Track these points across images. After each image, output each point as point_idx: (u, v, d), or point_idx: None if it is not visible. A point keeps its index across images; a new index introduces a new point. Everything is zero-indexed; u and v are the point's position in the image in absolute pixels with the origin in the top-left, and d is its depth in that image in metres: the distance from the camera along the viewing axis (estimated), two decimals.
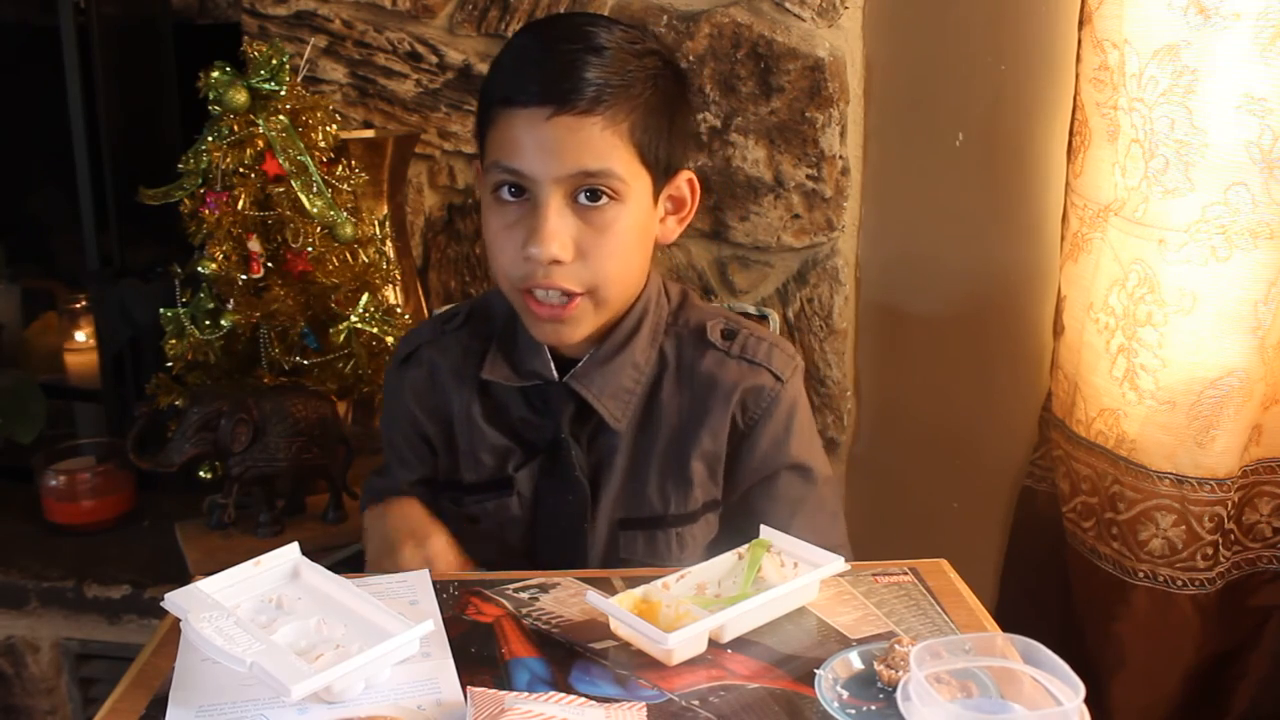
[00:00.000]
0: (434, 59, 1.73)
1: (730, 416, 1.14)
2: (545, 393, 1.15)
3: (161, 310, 1.53)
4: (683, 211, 1.15)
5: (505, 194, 1.06)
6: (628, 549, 1.15)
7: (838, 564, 0.97)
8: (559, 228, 1.04)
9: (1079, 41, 1.56)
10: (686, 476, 1.15)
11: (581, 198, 1.04)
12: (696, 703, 0.84)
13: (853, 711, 0.83)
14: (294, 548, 0.98)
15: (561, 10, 1.67)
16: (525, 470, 1.16)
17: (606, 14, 1.65)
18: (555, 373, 1.13)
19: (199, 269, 1.48)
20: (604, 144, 1.03)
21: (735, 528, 1.15)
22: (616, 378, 1.13)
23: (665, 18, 1.65)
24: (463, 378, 1.18)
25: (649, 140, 1.06)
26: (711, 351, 1.15)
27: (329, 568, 0.96)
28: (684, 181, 1.14)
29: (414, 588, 1.01)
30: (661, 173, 1.10)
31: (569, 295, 1.07)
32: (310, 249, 1.49)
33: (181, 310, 1.52)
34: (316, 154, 1.48)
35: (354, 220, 1.51)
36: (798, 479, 1.16)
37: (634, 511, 1.15)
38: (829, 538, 1.06)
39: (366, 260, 1.54)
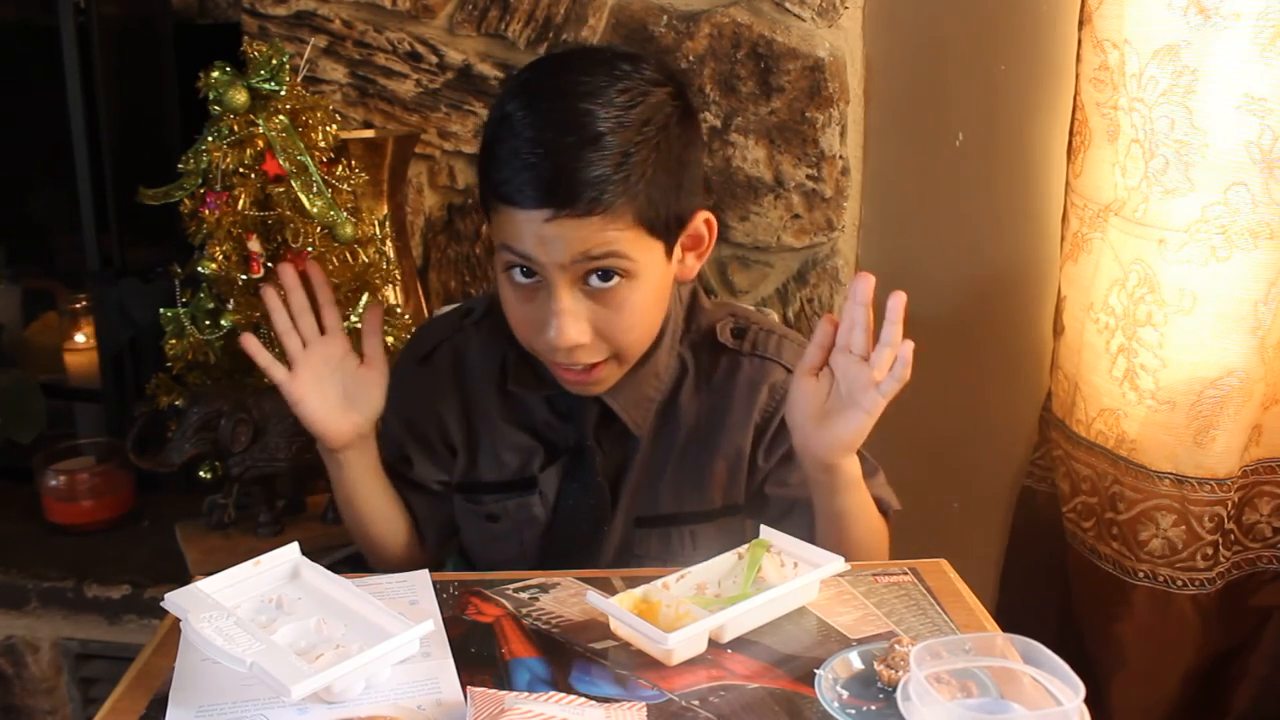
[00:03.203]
0: (434, 59, 1.73)
1: (751, 418, 1.15)
2: (569, 398, 1.15)
3: (161, 310, 1.53)
4: (700, 248, 1.13)
5: (517, 275, 1.04)
6: (642, 546, 1.17)
7: (838, 564, 0.97)
8: (575, 314, 1.02)
9: (1079, 41, 1.56)
10: (704, 476, 1.16)
11: (593, 280, 1.02)
12: (696, 703, 0.84)
13: (853, 711, 0.83)
14: (294, 548, 0.98)
15: (561, 9, 1.67)
16: (549, 471, 1.17)
17: (606, 14, 1.65)
18: None
19: (199, 269, 1.48)
20: (608, 235, 1.00)
21: (757, 512, 1.18)
22: (641, 388, 1.14)
23: (665, 18, 1.64)
24: (487, 375, 1.18)
25: (656, 212, 1.03)
26: (725, 354, 1.17)
27: (329, 568, 0.96)
28: (701, 223, 1.11)
29: (414, 588, 1.01)
30: (676, 229, 1.07)
31: (592, 364, 1.07)
32: (310, 249, 1.48)
33: (181, 310, 1.51)
34: (316, 154, 1.47)
35: (354, 220, 1.50)
36: None
37: (649, 510, 1.17)
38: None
39: (366, 260, 1.54)
